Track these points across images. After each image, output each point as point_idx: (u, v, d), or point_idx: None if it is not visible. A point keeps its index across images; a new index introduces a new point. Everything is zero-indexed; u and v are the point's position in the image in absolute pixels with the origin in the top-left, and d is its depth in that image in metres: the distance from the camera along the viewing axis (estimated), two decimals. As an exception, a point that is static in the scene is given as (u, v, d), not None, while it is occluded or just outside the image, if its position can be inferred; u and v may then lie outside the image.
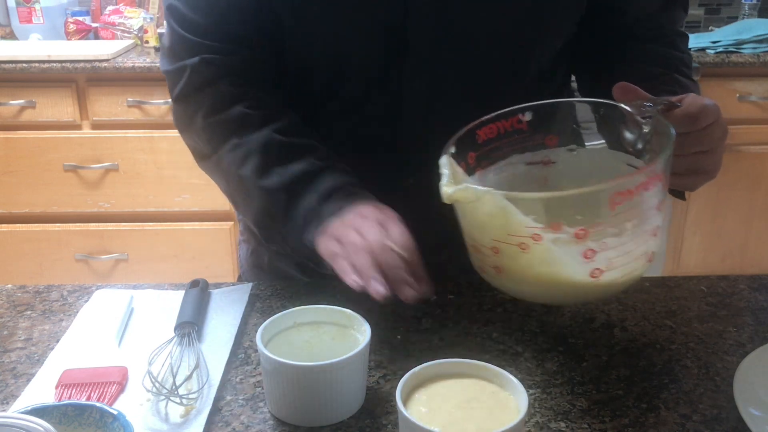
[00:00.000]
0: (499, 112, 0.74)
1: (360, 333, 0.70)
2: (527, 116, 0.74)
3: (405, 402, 0.60)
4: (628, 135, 0.71)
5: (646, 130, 0.69)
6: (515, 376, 0.61)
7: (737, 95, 2.41)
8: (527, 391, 0.59)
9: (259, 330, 0.67)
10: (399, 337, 0.79)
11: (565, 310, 0.84)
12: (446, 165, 0.69)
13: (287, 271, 1.02)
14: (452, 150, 0.71)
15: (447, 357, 0.75)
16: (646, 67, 0.89)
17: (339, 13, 0.83)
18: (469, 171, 0.74)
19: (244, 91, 0.85)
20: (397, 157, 0.89)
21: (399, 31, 0.83)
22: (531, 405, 0.66)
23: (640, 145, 0.70)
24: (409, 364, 0.67)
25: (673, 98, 0.71)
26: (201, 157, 0.89)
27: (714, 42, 2.46)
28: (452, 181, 0.66)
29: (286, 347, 0.67)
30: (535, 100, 0.77)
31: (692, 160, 0.72)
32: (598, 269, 0.62)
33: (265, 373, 0.67)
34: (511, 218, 0.61)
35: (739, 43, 2.44)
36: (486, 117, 0.74)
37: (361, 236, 0.72)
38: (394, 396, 0.59)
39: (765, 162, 2.52)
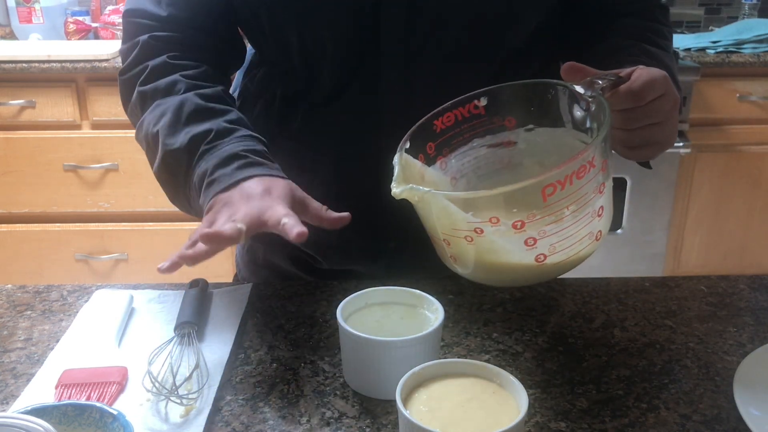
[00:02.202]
0: (454, 100, 0.76)
1: (431, 312, 0.73)
2: (483, 101, 0.76)
3: (405, 402, 0.60)
4: (578, 114, 0.72)
5: (593, 108, 0.70)
6: (515, 376, 0.61)
7: (737, 95, 2.41)
8: (527, 391, 0.59)
9: (338, 308, 0.71)
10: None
11: (565, 310, 0.84)
12: (398, 163, 0.71)
13: (280, 265, 1.03)
14: (407, 146, 0.73)
15: (447, 357, 0.75)
16: (616, 40, 0.89)
17: (307, 1, 0.84)
18: (429, 161, 0.76)
19: (183, 64, 0.86)
20: (379, 144, 0.89)
21: (370, 17, 0.84)
22: (531, 405, 0.66)
23: (588, 124, 0.71)
24: (409, 364, 0.67)
25: (622, 72, 0.71)
26: (136, 128, 0.89)
27: (714, 42, 2.46)
28: (402, 180, 0.69)
29: (359, 326, 0.69)
30: (513, 80, 0.77)
31: (644, 132, 0.72)
32: (542, 254, 0.65)
33: (344, 347, 0.71)
34: (453, 215, 0.65)
35: (739, 43, 2.44)
36: (442, 106, 0.76)
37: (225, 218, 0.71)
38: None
39: (765, 162, 2.52)
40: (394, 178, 0.69)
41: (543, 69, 0.96)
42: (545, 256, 0.65)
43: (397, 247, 0.94)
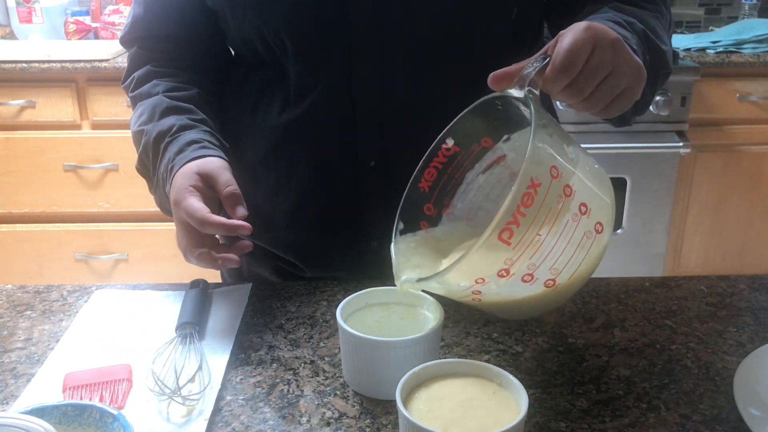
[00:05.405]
0: (423, 158, 0.73)
1: (431, 312, 0.73)
2: (450, 142, 0.74)
3: (405, 402, 0.60)
4: (528, 115, 0.67)
5: (532, 110, 0.64)
6: (515, 376, 0.61)
7: (737, 95, 2.41)
8: (527, 391, 0.59)
9: (338, 308, 0.71)
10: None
11: (565, 310, 0.84)
12: (394, 254, 0.71)
13: (265, 276, 1.02)
14: (401, 226, 0.73)
15: (447, 357, 0.75)
16: (590, 7, 0.85)
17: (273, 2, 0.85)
18: (433, 222, 0.75)
19: (162, 71, 0.95)
20: (355, 141, 0.89)
21: (338, 12, 0.83)
22: (531, 405, 0.66)
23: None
24: (409, 364, 0.66)
25: (549, 50, 0.64)
26: None
27: (714, 42, 2.46)
28: (405, 268, 0.70)
29: (359, 326, 0.70)
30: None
31: (600, 93, 0.65)
32: (549, 280, 0.63)
33: (344, 347, 0.71)
34: (448, 289, 0.65)
35: (739, 43, 2.44)
36: (416, 171, 0.73)
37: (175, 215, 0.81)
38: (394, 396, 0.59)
39: (765, 162, 2.52)
40: (394, 272, 0.69)
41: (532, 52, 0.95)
42: (553, 281, 0.63)
43: (380, 246, 0.91)
